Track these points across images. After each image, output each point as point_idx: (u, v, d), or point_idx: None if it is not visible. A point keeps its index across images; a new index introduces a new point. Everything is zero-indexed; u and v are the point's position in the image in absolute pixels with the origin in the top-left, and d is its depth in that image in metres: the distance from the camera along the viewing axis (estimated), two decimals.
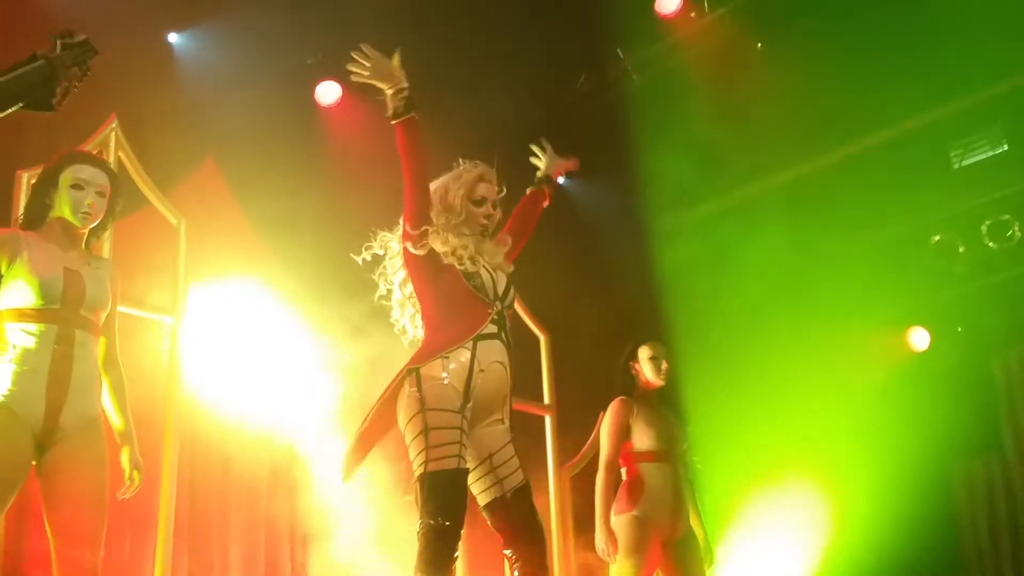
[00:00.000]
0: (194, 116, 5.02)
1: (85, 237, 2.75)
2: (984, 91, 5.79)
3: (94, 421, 2.63)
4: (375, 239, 2.92)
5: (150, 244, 3.85)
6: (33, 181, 2.85)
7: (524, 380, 4.12)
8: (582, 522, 4.40)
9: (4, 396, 2.50)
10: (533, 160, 3.26)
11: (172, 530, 3.55)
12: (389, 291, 2.92)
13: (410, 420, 2.62)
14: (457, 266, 2.73)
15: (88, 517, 2.53)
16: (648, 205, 6.66)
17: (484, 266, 2.78)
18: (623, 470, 3.79)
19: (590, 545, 3.79)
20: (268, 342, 4.72)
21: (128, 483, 2.79)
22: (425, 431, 2.58)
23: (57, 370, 2.54)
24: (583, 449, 4.81)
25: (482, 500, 2.71)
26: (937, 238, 6.19)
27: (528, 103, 5.70)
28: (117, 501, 2.73)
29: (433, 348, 2.68)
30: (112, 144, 3.66)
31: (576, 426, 4.87)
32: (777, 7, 6.11)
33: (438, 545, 2.51)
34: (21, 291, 2.57)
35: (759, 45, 6.17)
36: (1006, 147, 6.03)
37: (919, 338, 6.53)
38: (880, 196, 6.08)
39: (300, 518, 4.70)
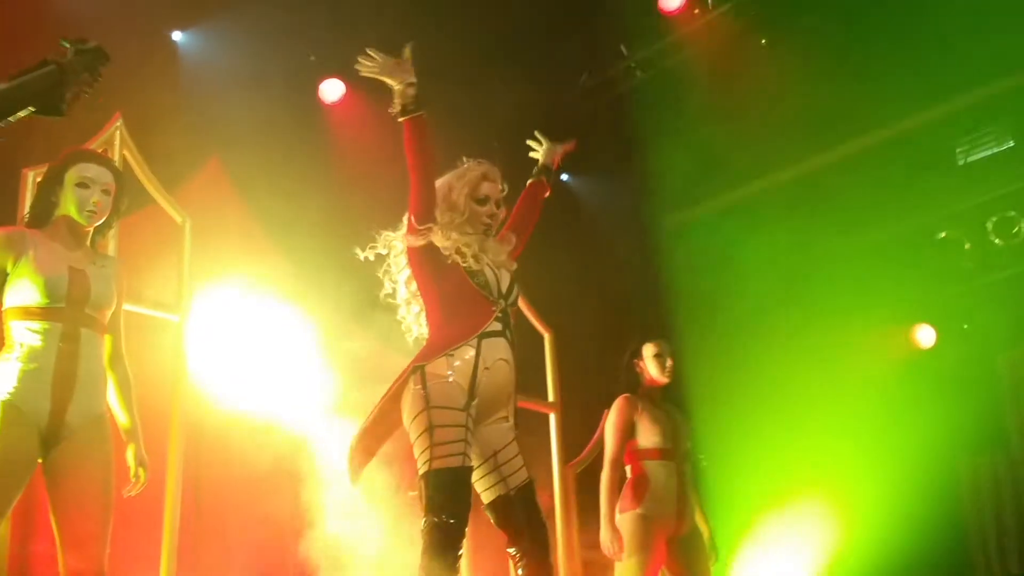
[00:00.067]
0: (198, 114, 5.03)
1: (90, 235, 2.76)
2: (989, 87, 5.77)
3: (100, 419, 2.64)
4: (379, 238, 2.92)
5: (155, 242, 3.86)
6: (38, 180, 2.86)
7: (528, 378, 4.12)
8: (587, 520, 4.39)
9: (10, 394, 2.51)
10: (533, 155, 3.25)
11: (178, 527, 3.56)
12: (394, 289, 2.92)
13: (415, 418, 2.62)
14: (460, 264, 2.73)
15: (94, 514, 2.54)
16: (652, 202, 6.66)
17: (488, 264, 2.78)
18: (627, 468, 3.79)
19: (595, 543, 3.79)
20: (273, 339, 4.72)
21: (134, 480, 2.80)
22: (430, 429, 2.58)
23: (63, 368, 2.55)
24: (588, 447, 4.80)
25: (486, 498, 2.71)
26: (943, 235, 6.18)
27: (531, 100, 5.69)
28: (123, 498, 2.74)
29: (438, 346, 2.68)
30: (117, 142, 3.66)
31: (580, 424, 4.86)
32: (781, 4, 6.10)
33: (442, 543, 2.51)
34: (27, 289, 2.58)
35: (763, 42, 6.17)
36: (1012, 143, 6.02)
37: (925, 335, 6.52)
38: (885, 193, 6.07)
39: (305, 514, 4.70)
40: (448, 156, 2.91)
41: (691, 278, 6.45)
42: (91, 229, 2.74)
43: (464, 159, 2.91)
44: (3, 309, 2.62)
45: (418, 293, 2.84)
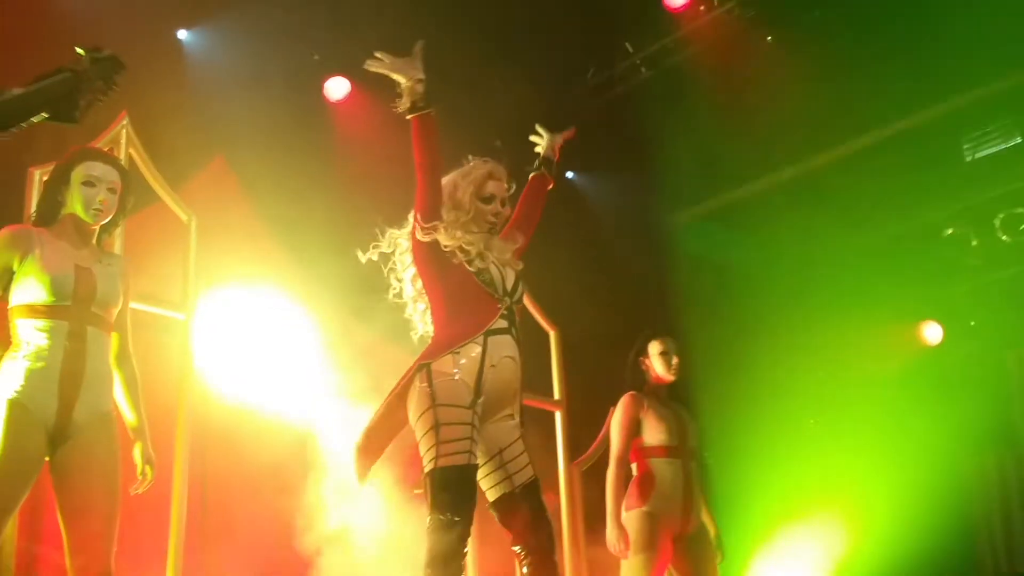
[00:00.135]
0: (204, 112, 5.03)
1: (96, 234, 2.76)
2: (997, 83, 5.75)
3: (106, 417, 2.64)
4: (383, 237, 2.92)
5: (161, 240, 3.87)
6: (45, 178, 2.86)
7: (534, 376, 4.12)
8: (593, 518, 4.39)
9: (17, 393, 2.52)
10: (537, 151, 3.23)
11: (184, 524, 3.57)
12: (400, 287, 2.92)
13: (421, 415, 2.62)
14: (465, 263, 2.73)
15: (101, 512, 2.55)
16: (658, 199, 6.65)
17: (493, 261, 2.78)
18: (634, 466, 3.78)
19: (601, 541, 3.78)
20: (278, 337, 4.73)
21: (141, 478, 2.80)
22: (435, 426, 2.58)
23: (69, 367, 2.56)
24: (593, 444, 4.80)
25: (491, 496, 2.71)
26: (950, 231, 6.16)
27: (536, 98, 5.69)
28: (130, 496, 2.75)
29: (443, 343, 2.68)
30: (123, 141, 3.67)
31: (586, 421, 4.86)
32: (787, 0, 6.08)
33: (447, 541, 2.51)
34: (33, 288, 2.58)
35: (769, 38, 6.15)
36: (1019, 139, 5.99)
37: (932, 332, 6.50)
38: (892, 190, 6.06)
39: (311, 511, 4.71)
40: (452, 154, 2.90)
41: (697, 275, 6.44)
42: (97, 227, 2.74)
43: (469, 157, 2.90)
44: (9, 307, 2.62)
45: (423, 291, 2.84)
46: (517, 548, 2.67)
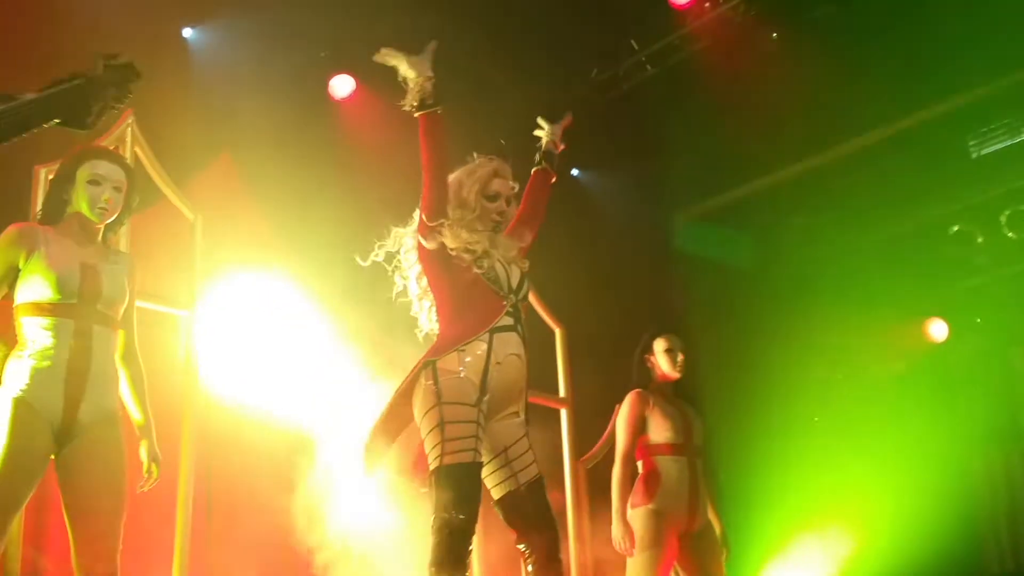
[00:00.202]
0: (209, 111, 5.03)
1: (102, 232, 2.77)
2: (1002, 80, 5.73)
3: (112, 415, 2.65)
4: (388, 235, 2.92)
5: (166, 238, 3.87)
6: (50, 177, 2.87)
7: (539, 373, 4.12)
8: (598, 516, 4.39)
9: (22, 391, 2.52)
10: (539, 144, 3.22)
11: (190, 522, 3.57)
12: (405, 285, 2.92)
13: (426, 413, 2.62)
14: (471, 262, 2.72)
15: (107, 510, 2.55)
16: (663, 196, 6.64)
17: (498, 260, 2.77)
18: (639, 463, 3.78)
19: (607, 539, 3.78)
20: (284, 335, 4.73)
21: (146, 476, 2.81)
22: (441, 424, 2.58)
23: (75, 365, 2.56)
24: (599, 442, 4.79)
25: (496, 493, 2.71)
26: (956, 228, 6.15)
27: (540, 95, 5.68)
28: (135, 494, 2.75)
29: (449, 341, 2.68)
30: (128, 139, 3.68)
31: (592, 419, 4.85)
32: None
33: (453, 539, 2.51)
34: (38, 286, 2.59)
35: (774, 35, 6.13)
36: None
37: (938, 329, 6.49)
38: (898, 187, 6.04)
39: (316, 509, 4.72)
40: (457, 152, 2.90)
41: (703, 273, 6.43)
42: (103, 226, 2.75)
43: (474, 155, 2.90)
44: (15, 305, 2.63)
45: (429, 289, 2.84)
46: (522, 546, 2.67)
